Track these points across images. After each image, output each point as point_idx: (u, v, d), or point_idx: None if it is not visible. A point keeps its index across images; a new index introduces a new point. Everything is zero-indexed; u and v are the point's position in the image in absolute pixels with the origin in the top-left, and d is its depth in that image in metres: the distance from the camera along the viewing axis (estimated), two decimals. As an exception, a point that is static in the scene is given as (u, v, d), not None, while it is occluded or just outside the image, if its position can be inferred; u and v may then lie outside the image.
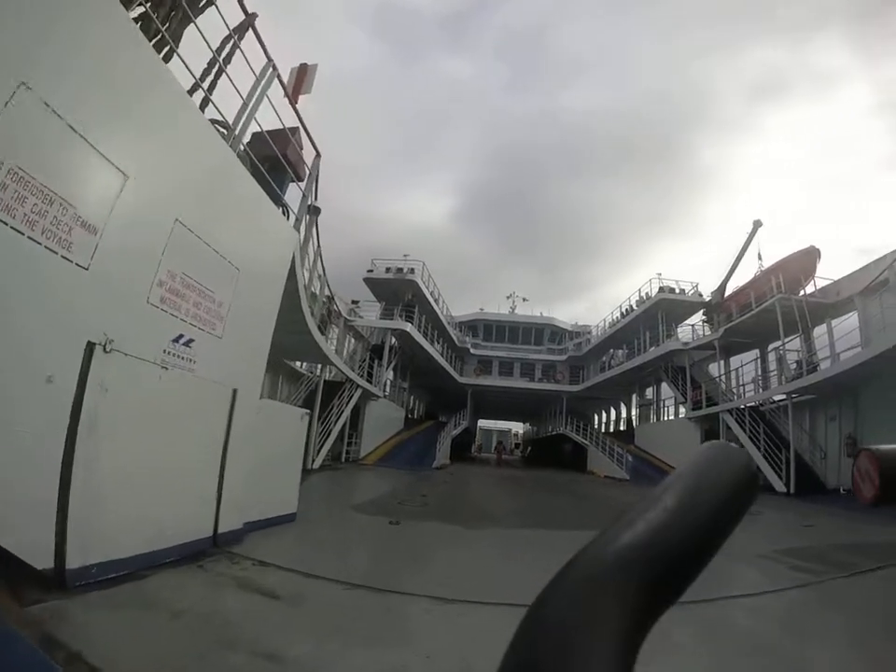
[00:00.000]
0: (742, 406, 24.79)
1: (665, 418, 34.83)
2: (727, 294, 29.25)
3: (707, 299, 30.92)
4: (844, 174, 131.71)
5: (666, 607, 0.42)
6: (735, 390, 27.04)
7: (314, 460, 18.12)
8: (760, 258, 28.00)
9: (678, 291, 32.96)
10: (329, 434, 19.72)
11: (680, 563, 0.44)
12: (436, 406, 49.66)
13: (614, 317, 38.96)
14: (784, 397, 22.92)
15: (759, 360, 27.12)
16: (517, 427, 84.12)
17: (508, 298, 54.68)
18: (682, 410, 31.55)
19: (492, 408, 53.35)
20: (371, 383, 26.41)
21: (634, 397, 41.90)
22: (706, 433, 27.46)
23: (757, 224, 28.23)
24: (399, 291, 31.79)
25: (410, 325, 29.48)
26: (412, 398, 47.68)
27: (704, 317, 31.17)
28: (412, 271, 32.29)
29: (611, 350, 40.94)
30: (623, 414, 45.15)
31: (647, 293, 34.35)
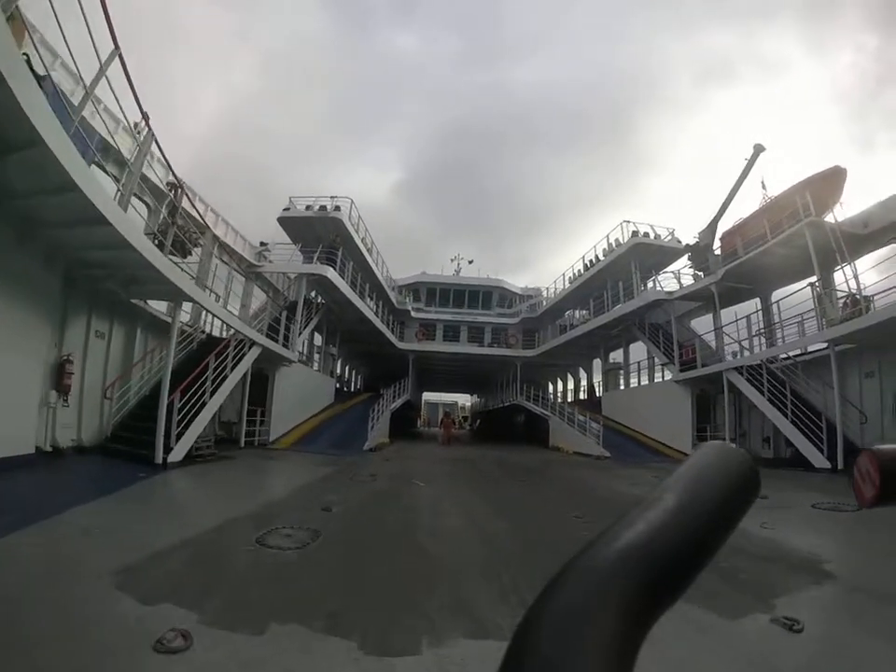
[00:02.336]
0: (756, 362, 19.54)
1: (638, 383, 29.35)
2: (725, 231, 23.76)
3: (695, 240, 25.22)
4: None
5: (667, 607, 0.42)
6: (741, 345, 21.43)
7: (169, 448, 11.64)
8: (764, 186, 23.03)
9: (653, 237, 27.25)
10: (201, 409, 13.15)
11: (681, 563, 0.44)
12: (376, 378, 43.42)
13: (575, 272, 32.99)
14: (799, 351, 19.10)
15: (762, 312, 22.12)
16: (464, 400, 79.41)
17: (452, 261, 48.26)
18: (663, 373, 26.82)
19: (437, 379, 49.36)
20: (286, 346, 20.21)
21: (595, 362, 37.06)
22: (697, 399, 22.68)
23: (758, 149, 22.69)
24: (321, 234, 25.29)
25: (331, 269, 22.99)
26: (347, 367, 42.09)
27: (690, 262, 25.38)
28: (337, 208, 25.82)
29: (571, 311, 35.43)
30: (584, 382, 40.28)
31: (616, 240, 28.60)
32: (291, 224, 25.50)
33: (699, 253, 24.69)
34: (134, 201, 12.50)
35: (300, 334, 22.44)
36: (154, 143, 11.44)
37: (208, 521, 6.63)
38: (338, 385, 35.78)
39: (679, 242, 27.33)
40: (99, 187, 8.37)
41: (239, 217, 23.14)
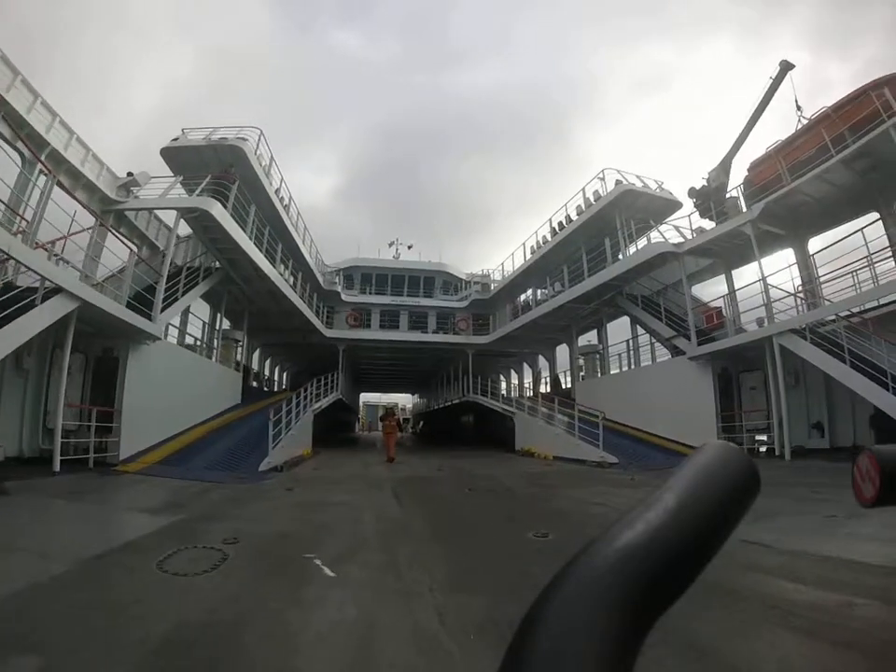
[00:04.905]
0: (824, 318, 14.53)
1: (619, 369, 23.33)
2: (756, 160, 17.83)
3: (702, 182, 19.29)
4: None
5: (667, 607, 0.42)
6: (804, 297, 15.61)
7: None
8: (800, 108, 17.42)
9: (640, 186, 21.06)
10: None
11: (681, 563, 0.43)
12: (305, 376, 36.24)
13: (539, 239, 26.61)
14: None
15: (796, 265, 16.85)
16: (405, 401, 72.86)
17: (390, 245, 41.18)
18: (653, 352, 21.91)
19: (376, 377, 43.33)
20: (148, 315, 13.45)
21: (559, 349, 31.25)
22: (719, 378, 17.51)
23: (786, 66, 17.69)
24: (214, 168, 18.05)
25: (217, 204, 15.83)
26: (267, 362, 34.65)
27: (696, 208, 19.42)
28: (242, 140, 18.69)
29: (532, 290, 28.82)
30: (545, 374, 33.87)
31: (595, 192, 22.22)
32: (178, 158, 18.03)
33: (708, 196, 18.80)
34: None
35: (172, 301, 15.33)
36: None
37: None
38: (255, 384, 28.80)
39: (671, 194, 21.36)
40: None
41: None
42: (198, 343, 20.18)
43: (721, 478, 0.50)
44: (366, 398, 66.20)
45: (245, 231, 17.73)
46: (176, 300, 15.81)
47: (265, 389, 31.25)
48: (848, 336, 13.33)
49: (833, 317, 14.20)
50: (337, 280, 31.99)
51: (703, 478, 0.49)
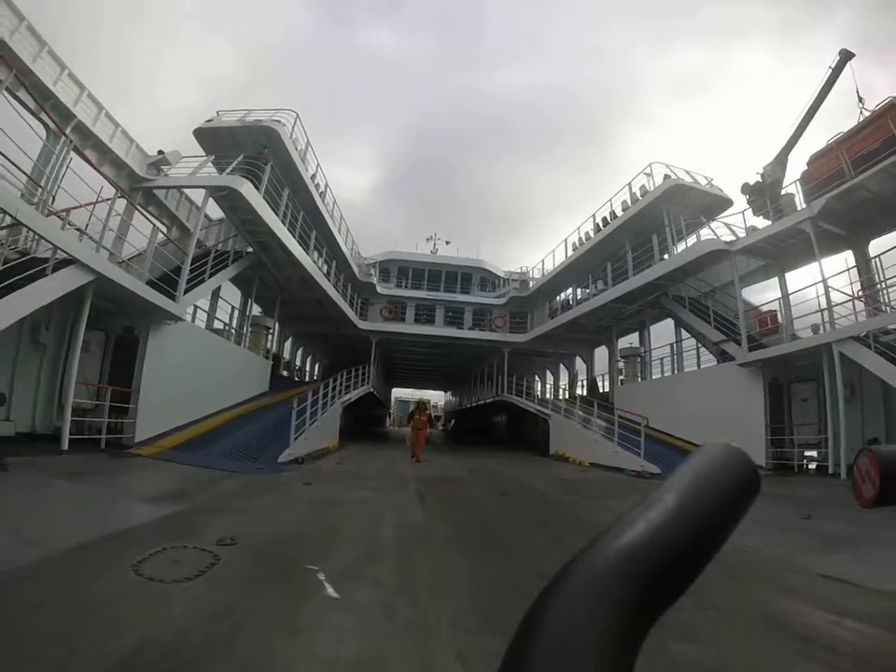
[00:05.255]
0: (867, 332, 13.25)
1: (661, 374, 22.11)
2: (815, 154, 16.39)
3: (756, 178, 18.13)
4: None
5: (667, 607, 0.42)
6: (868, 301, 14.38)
7: None
8: (861, 100, 16.02)
9: (690, 181, 19.93)
10: None
11: (681, 563, 0.43)
12: (337, 367, 35.65)
13: (581, 236, 25.57)
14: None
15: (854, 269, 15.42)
16: (436, 399, 72.07)
17: (428, 240, 40.30)
18: (699, 358, 20.57)
19: (408, 371, 42.52)
20: (172, 297, 12.93)
21: (598, 352, 29.62)
22: (770, 388, 16.31)
23: (846, 55, 16.51)
24: (248, 150, 17.32)
25: (247, 183, 15.16)
26: (299, 352, 33.94)
27: (749, 205, 18.27)
28: (277, 122, 17.99)
29: (572, 289, 27.51)
30: (582, 376, 32.49)
31: (642, 187, 21.17)
32: (211, 139, 17.38)
33: (763, 193, 17.66)
34: None
35: (198, 283, 14.82)
36: None
37: None
38: (285, 373, 28.30)
39: (721, 190, 20.19)
40: None
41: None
42: (227, 328, 19.57)
43: (721, 478, 0.49)
44: (398, 393, 65.66)
45: (276, 215, 17.11)
46: (203, 281, 15.30)
47: (296, 379, 30.75)
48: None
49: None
50: (373, 272, 31.26)
51: (703, 478, 0.48)
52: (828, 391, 14.09)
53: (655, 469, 14.25)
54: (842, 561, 5.09)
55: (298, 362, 34.12)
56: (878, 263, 14.59)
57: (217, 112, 18.15)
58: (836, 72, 16.69)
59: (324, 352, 38.24)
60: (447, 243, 39.75)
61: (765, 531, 6.34)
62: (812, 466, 15.29)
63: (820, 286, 14.55)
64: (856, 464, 0.87)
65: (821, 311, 14.42)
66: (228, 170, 15.38)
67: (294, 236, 18.54)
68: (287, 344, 30.53)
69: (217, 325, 19.21)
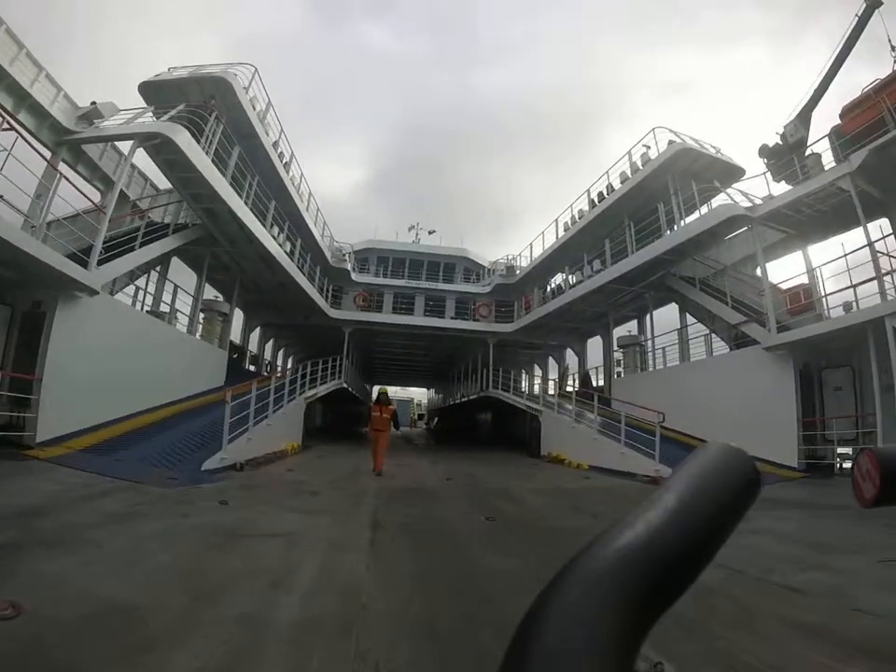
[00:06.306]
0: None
1: (664, 365, 19.66)
2: (849, 104, 14.05)
3: (776, 137, 15.88)
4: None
5: (666, 607, 0.41)
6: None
7: None
8: (894, 48, 14.37)
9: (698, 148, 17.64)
10: None
11: (680, 564, 0.43)
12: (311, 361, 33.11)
13: (574, 213, 23.08)
14: None
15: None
16: (421, 396, 69.47)
17: (410, 230, 37.76)
18: (711, 345, 18.10)
19: (389, 367, 40.97)
20: (85, 262, 10.74)
21: (591, 342, 27.39)
22: (800, 375, 13.87)
23: (874, 3, 14.80)
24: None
25: (185, 133, 12.55)
26: (266, 344, 30.64)
27: (768, 168, 16.10)
28: (230, 74, 15.43)
29: (563, 274, 24.62)
30: (573, 369, 30.05)
31: (644, 154, 18.73)
32: (157, 96, 14.53)
33: (784, 154, 15.44)
34: None
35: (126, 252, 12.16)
36: None
37: None
38: (252, 367, 25.59)
39: (731, 159, 17.89)
40: None
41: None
42: (171, 312, 16.81)
43: (722, 478, 0.48)
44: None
45: (224, 177, 14.44)
46: (133, 249, 12.64)
47: (265, 374, 28.03)
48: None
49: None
50: (347, 258, 28.39)
51: (704, 478, 0.47)
52: (876, 377, 11.70)
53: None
54: None
55: (268, 356, 31.32)
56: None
57: (169, 68, 15.48)
58: (861, 24, 15.09)
59: (297, 345, 35.45)
60: (430, 232, 37.10)
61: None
62: (848, 465, 12.77)
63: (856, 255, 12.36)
64: (856, 463, 0.82)
65: (874, 279, 11.99)
66: (164, 118, 12.82)
67: (248, 204, 15.84)
68: (256, 336, 27.82)
69: (166, 309, 16.55)
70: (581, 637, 0.34)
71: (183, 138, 12.37)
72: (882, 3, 14.75)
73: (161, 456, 10.22)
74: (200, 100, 14.86)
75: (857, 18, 15.16)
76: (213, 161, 13.94)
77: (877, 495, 0.73)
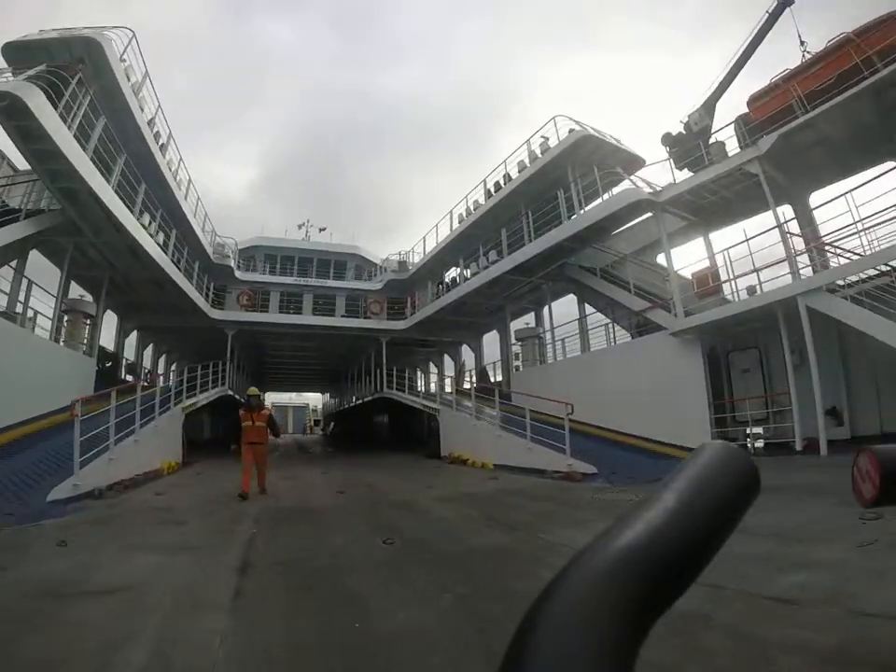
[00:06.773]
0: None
1: (564, 356, 19.34)
2: (756, 93, 14.50)
3: (681, 126, 15.92)
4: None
5: (666, 607, 0.41)
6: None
7: None
8: (803, 43, 14.95)
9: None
10: None
11: (681, 563, 0.43)
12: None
13: (469, 205, 22.41)
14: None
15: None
16: (315, 401, 67.94)
17: (300, 227, 35.95)
18: (613, 334, 18.19)
19: (282, 373, 39.58)
20: None
21: (487, 338, 27.39)
22: (708, 358, 14.26)
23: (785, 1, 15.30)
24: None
25: (40, 95, 10.62)
26: (144, 350, 27.57)
27: (671, 156, 16.07)
28: (103, 36, 13.76)
29: (456, 270, 24.25)
30: (470, 365, 29.74)
31: (543, 142, 18.31)
32: (23, 59, 12.48)
33: (688, 142, 15.49)
34: None
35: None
36: None
37: None
38: (129, 377, 23.04)
39: (632, 149, 18.01)
40: None
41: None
42: (23, 314, 14.37)
43: (721, 478, 0.49)
44: (274, 398, 59.76)
45: (86, 152, 12.58)
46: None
47: (145, 384, 25.51)
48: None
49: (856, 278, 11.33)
50: (231, 255, 26.32)
51: (703, 478, 0.48)
52: (787, 357, 11.95)
53: (589, 469, 11.20)
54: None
55: (148, 363, 28.62)
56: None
57: (40, 31, 13.66)
58: (772, 19, 15.56)
59: (179, 350, 32.71)
60: (321, 230, 35.69)
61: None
62: (760, 444, 13.60)
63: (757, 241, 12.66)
64: (855, 464, 0.84)
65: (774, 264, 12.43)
66: (20, 77, 11.00)
67: (114, 188, 13.93)
68: (133, 342, 25.26)
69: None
70: (581, 638, 0.34)
71: (37, 101, 10.48)
72: (793, 1, 15.10)
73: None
74: (63, 53, 13.06)
75: (767, 14, 15.48)
76: (75, 135, 12.06)
77: (877, 495, 0.74)
